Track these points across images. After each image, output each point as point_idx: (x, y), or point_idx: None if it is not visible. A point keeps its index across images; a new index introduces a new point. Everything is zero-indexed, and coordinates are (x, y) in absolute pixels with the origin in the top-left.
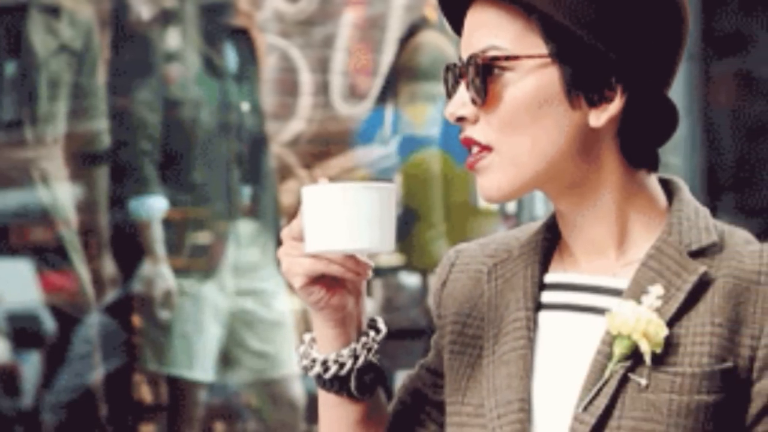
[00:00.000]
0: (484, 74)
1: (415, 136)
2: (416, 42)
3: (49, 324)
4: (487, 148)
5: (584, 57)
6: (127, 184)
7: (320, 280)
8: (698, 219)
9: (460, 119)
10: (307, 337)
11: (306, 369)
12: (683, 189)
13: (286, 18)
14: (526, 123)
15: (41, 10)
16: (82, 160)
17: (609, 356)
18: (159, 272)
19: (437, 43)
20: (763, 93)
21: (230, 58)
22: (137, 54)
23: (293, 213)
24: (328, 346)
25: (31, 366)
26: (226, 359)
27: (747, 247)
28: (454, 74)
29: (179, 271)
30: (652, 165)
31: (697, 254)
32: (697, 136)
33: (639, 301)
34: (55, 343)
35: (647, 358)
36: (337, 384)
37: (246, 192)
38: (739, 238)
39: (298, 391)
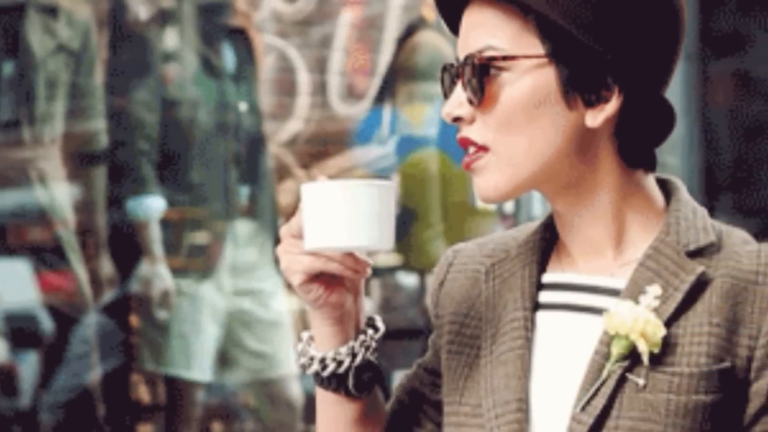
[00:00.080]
0: (480, 74)
1: (412, 136)
2: (414, 42)
3: (47, 324)
4: (483, 148)
5: (581, 57)
6: (125, 184)
7: (319, 277)
8: (696, 219)
9: (457, 119)
10: (305, 335)
11: (304, 367)
12: (681, 189)
13: (283, 18)
14: (523, 123)
15: (39, 10)
16: (79, 160)
17: (607, 356)
18: (157, 272)
19: (435, 43)
20: (761, 93)
21: (228, 58)
22: (135, 54)
23: (291, 213)
24: (326, 344)
25: (29, 366)
26: (224, 359)
27: (745, 247)
28: (450, 74)
29: (177, 271)
30: (650, 165)
31: (695, 254)
32: (695, 136)
33: (637, 301)
34: (53, 343)
35: (645, 358)
36: (335, 382)
37: (244, 192)
38: (737, 238)
39: (295, 391)
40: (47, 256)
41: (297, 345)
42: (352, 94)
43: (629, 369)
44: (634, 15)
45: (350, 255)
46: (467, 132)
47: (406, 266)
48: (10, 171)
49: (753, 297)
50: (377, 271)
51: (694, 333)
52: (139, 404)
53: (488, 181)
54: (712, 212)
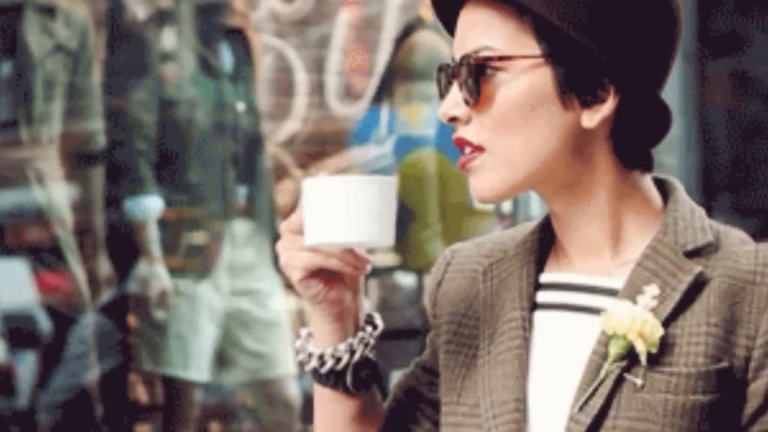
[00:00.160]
0: (476, 74)
1: (410, 136)
2: (412, 42)
3: (45, 324)
4: (479, 149)
5: (577, 58)
6: (123, 184)
7: (319, 274)
8: (694, 219)
9: (453, 119)
10: (303, 331)
11: (302, 363)
12: (679, 189)
13: (281, 18)
14: (519, 123)
15: (36, 10)
16: (77, 160)
17: (604, 356)
18: (154, 272)
19: (433, 43)
20: (759, 93)
21: (226, 58)
22: (133, 54)
23: (289, 213)
24: (325, 341)
25: (27, 366)
26: (222, 359)
27: (742, 247)
28: (446, 74)
29: (175, 271)
30: (646, 165)
31: (693, 254)
32: (693, 136)
33: (634, 301)
34: (51, 343)
35: (643, 358)
36: (333, 379)
37: (241, 192)
38: (735, 238)
39: (293, 391)
40: (45, 256)
41: (295, 341)
42: (349, 94)
43: (627, 369)
44: (631, 15)
45: (350, 251)
46: (463, 132)
47: (404, 266)
48: (8, 171)
49: (751, 297)
50: (375, 271)
51: (692, 333)
52: (137, 404)
53: (484, 181)
54: (710, 212)
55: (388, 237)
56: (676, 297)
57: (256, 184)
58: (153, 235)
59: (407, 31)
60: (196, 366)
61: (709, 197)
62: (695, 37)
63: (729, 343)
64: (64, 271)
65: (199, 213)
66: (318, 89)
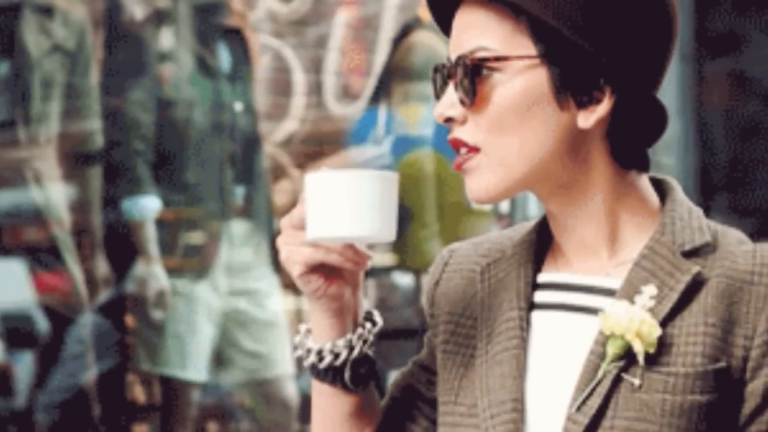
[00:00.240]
0: (472, 75)
1: (408, 136)
2: (409, 42)
3: (42, 324)
4: (475, 149)
5: (573, 58)
6: (120, 184)
7: (319, 269)
8: (691, 219)
9: (449, 120)
10: (302, 327)
11: (301, 358)
12: (676, 189)
13: (279, 18)
14: (515, 124)
15: (34, 10)
16: (75, 160)
17: (602, 356)
18: (152, 272)
19: (430, 43)
20: (757, 93)
21: (223, 58)
22: (130, 54)
23: (287, 213)
24: (324, 336)
25: (24, 366)
26: (220, 359)
27: (740, 247)
28: (442, 75)
29: (172, 271)
30: (643, 165)
31: (691, 254)
32: (690, 136)
33: (632, 301)
34: (48, 343)
35: (640, 358)
36: (332, 374)
37: (239, 192)
38: (732, 238)
39: (291, 391)
40: (43, 256)
41: (294, 337)
42: (347, 94)
43: (625, 369)
44: (627, 15)
45: (351, 246)
46: (459, 133)
47: (402, 266)
48: (6, 171)
49: (748, 297)
50: (373, 271)
51: (690, 333)
52: (135, 404)
53: (480, 181)
54: (708, 212)
55: (390, 232)
56: (674, 297)
57: (254, 184)
58: (151, 235)
59: (405, 31)
60: (193, 366)
61: (706, 197)
62: (693, 37)
63: (727, 343)
64: (62, 271)
65: (196, 213)
66: (316, 89)
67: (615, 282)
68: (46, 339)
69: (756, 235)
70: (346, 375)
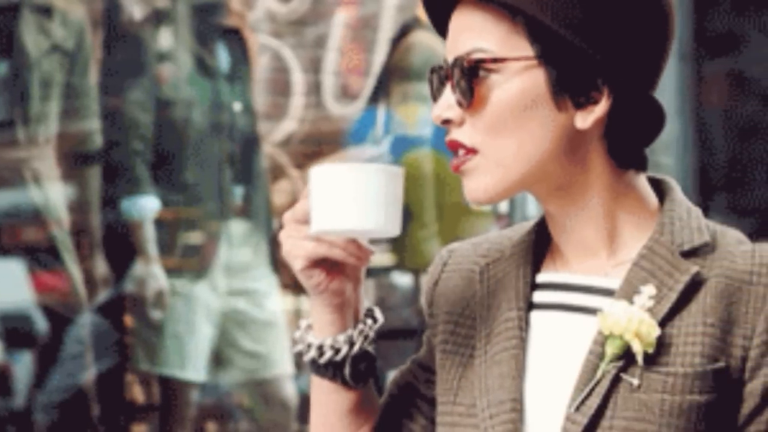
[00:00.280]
0: (469, 76)
1: (407, 136)
2: (408, 42)
3: (41, 324)
4: (472, 151)
5: (570, 59)
6: (119, 184)
7: (321, 263)
8: (690, 219)
9: (446, 122)
10: (303, 323)
11: (301, 353)
12: (675, 189)
13: (278, 18)
14: (512, 125)
15: (33, 10)
16: (74, 160)
17: (601, 356)
18: (151, 272)
19: (429, 43)
20: (755, 93)
21: (222, 58)
22: (129, 54)
23: (285, 213)
24: (324, 331)
25: (23, 366)
26: (218, 359)
27: (739, 247)
28: (439, 76)
29: (171, 271)
30: (641, 165)
31: (689, 254)
32: (689, 136)
33: (631, 301)
34: (47, 343)
35: (639, 358)
36: (332, 370)
37: (238, 192)
38: (731, 238)
39: (290, 391)
40: (42, 256)
41: (294, 332)
42: (346, 94)
43: (624, 369)
44: (623, 15)
45: (353, 241)
46: (456, 134)
47: (401, 266)
48: (5, 171)
49: (747, 297)
50: (372, 271)
51: (689, 333)
52: (134, 404)
53: (478, 183)
54: (707, 212)
55: (394, 226)
56: (673, 297)
57: (253, 184)
58: (150, 235)
59: (404, 31)
60: (192, 366)
61: (705, 197)
62: (692, 37)
63: (725, 343)
64: (61, 271)
65: (195, 213)
66: (315, 89)
67: (614, 282)
68: (45, 339)
69: (755, 235)
70: (346, 370)
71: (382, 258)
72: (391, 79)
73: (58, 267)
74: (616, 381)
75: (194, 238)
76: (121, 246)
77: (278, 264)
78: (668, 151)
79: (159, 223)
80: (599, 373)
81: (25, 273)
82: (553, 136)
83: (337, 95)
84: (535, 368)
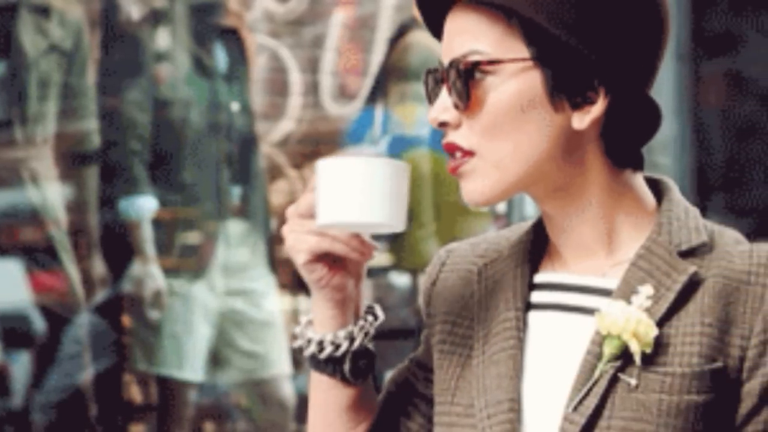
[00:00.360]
0: (466, 79)
1: (404, 136)
2: (406, 42)
3: (39, 324)
4: (469, 153)
5: (566, 60)
6: (117, 184)
7: (323, 258)
8: (688, 219)
9: (443, 124)
10: (303, 319)
11: (301, 349)
12: (673, 189)
13: (275, 18)
14: (509, 127)
15: (31, 10)
16: (71, 160)
17: (599, 356)
18: (149, 272)
19: (427, 44)
20: (753, 93)
21: (220, 58)
22: (127, 54)
23: (283, 213)
24: (325, 326)
25: (21, 366)
26: (216, 359)
27: (737, 247)
28: (435, 79)
29: (169, 271)
30: (637, 164)
31: (687, 254)
32: (687, 136)
33: (629, 301)
34: (45, 343)
35: (637, 358)
36: (331, 366)
37: (236, 192)
38: (729, 238)
39: (287, 391)
40: (39, 256)
41: (295, 328)
42: (344, 94)
43: (621, 369)
44: (618, 15)
45: (357, 236)
46: (453, 137)
47: (399, 266)
48: (2, 171)
49: (745, 297)
50: (370, 271)
51: (686, 333)
52: (131, 404)
53: (475, 185)
54: (704, 212)
55: (400, 221)
56: (671, 297)
57: (251, 184)
58: (147, 235)
59: (401, 31)
60: (190, 366)
61: (703, 197)
62: (689, 37)
63: (723, 343)
64: (59, 271)
65: (193, 213)
66: (312, 89)
67: (612, 282)
68: (43, 339)
69: (753, 235)
70: (346, 367)
71: (379, 258)
72: (389, 79)
73: (55, 267)
74: (613, 381)
75: (192, 238)
76: (119, 246)
77: (276, 264)
78: (666, 151)
79: (157, 223)
80: (597, 373)
81: (22, 273)
82: (550, 137)
83: (335, 95)
84: (532, 368)
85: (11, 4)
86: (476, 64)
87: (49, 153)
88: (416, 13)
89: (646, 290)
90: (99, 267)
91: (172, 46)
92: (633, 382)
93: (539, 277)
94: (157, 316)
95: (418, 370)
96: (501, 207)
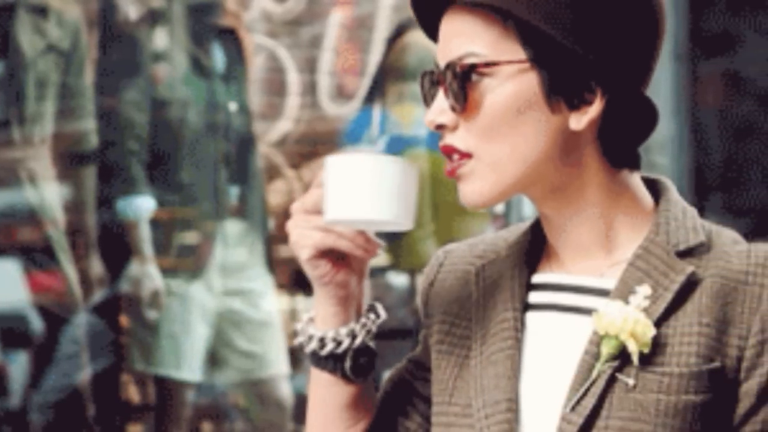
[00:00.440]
0: (462, 81)
1: (402, 136)
2: (404, 42)
3: (37, 324)
4: (467, 155)
5: (563, 61)
6: (115, 184)
7: (327, 254)
8: (686, 219)
9: (440, 127)
10: (305, 316)
11: (302, 345)
12: (671, 189)
13: (273, 18)
14: (506, 129)
15: (29, 10)
16: (69, 160)
17: (596, 356)
18: (146, 272)
19: (425, 44)
20: (751, 93)
21: (218, 58)
22: (125, 54)
23: (281, 213)
24: (327, 323)
25: (19, 366)
26: (214, 359)
27: (734, 247)
28: (431, 81)
29: (167, 271)
30: (634, 164)
31: (685, 254)
32: (685, 136)
33: (626, 301)
34: (43, 343)
35: (635, 358)
36: (332, 362)
37: (233, 192)
38: (727, 238)
39: (285, 391)
40: (37, 256)
41: (296, 324)
42: (341, 94)
43: (619, 369)
44: (614, 16)
45: (362, 233)
46: (450, 139)
47: (397, 266)
48: (0, 171)
49: (743, 297)
50: None
51: (684, 333)
52: (129, 404)
53: (473, 187)
54: (702, 212)
55: (408, 220)
56: (668, 297)
57: (248, 184)
58: (145, 235)
59: (399, 31)
60: (188, 366)
61: (701, 197)
62: (687, 37)
63: (721, 343)
64: (56, 271)
65: (191, 213)
66: (310, 89)
67: (609, 282)
68: (41, 339)
69: (750, 235)
70: (347, 364)
71: (377, 258)
72: (387, 79)
73: (53, 267)
74: (611, 381)
75: (190, 238)
76: (117, 246)
77: (274, 264)
78: (664, 151)
79: (154, 223)
80: (595, 373)
81: (20, 273)
82: (547, 138)
83: (333, 95)
84: (530, 368)
85: (9, 4)
86: (473, 67)
87: (47, 153)
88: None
89: (644, 290)
90: (97, 267)
91: (170, 46)
92: (631, 382)
93: (537, 278)
94: (154, 316)
95: (417, 370)
96: (499, 207)
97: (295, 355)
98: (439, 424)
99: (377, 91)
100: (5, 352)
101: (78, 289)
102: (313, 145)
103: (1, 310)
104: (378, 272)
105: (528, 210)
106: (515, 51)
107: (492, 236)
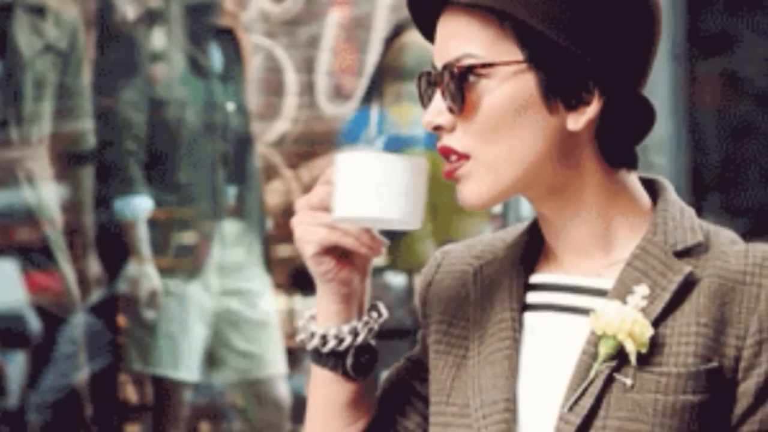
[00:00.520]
0: (460, 82)
1: (400, 136)
2: (401, 42)
3: (35, 324)
4: (464, 156)
5: (560, 61)
6: (113, 184)
7: (331, 251)
8: (683, 219)
9: (438, 128)
10: (307, 313)
11: (303, 342)
12: (668, 189)
13: (271, 18)
14: (504, 130)
15: (26, 10)
16: (67, 160)
17: (594, 356)
18: (144, 272)
19: (422, 44)
20: (749, 93)
21: (215, 58)
22: (122, 54)
23: (279, 213)
24: (329, 321)
25: (17, 366)
26: (212, 359)
27: (732, 247)
28: (428, 82)
29: (164, 271)
30: (632, 164)
31: (683, 254)
32: (683, 136)
33: (624, 301)
34: (41, 343)
35: (632, 358)
36: (333, 360)
37: (231, 192)
38: (725, 238)
39: (283, 391)
40: (35, 256)
41: (298, 322)
42: (339, 94)
43: (617, 369)
44: (611, 16)
45: (367, 231)
46: (448, 140)
47: (394, 266)
48: None
49: (740, 297)
50: None
51: (682, 333)
52: (127, 404)
53: (471, 188)
54: (700, 212)
55: (416, 219)
56: (666, 297)
57: (246, 184)
58: (143, 235)
59: (397, 31)
60: (185, 366)
61: (699, 197)
62: (685, 37)
63: (719, 343)
64: (54, 271)
65: (188, 213)
66: (308, 89)
67: (607, 282)
68: (39, 339)
69: (748, 235)
70: (348, 361)
71: (375, 258)
72: (385, 79)
73: (51, 267)
74: (609, 381)
75: (187, 238)
76: (115, 246)
77: (271, 264)
78: (661, 151)
79: (152, 223)
80: (592, 373)
81: (18, 273)
82: (545, 139)
83: (331, 95)
84: (528, 369)
85: (6, 4)
86: (470, 68)
87: (45, 153)
88: None
89: (642, 290)
90: (94, 267)
91: (168, 46)
92: (628, 382)
93: (535, 278)
94: (152, 316)
95: (415, 370)
96: (497, 208)
97: (293, 355)
98: (436, 424)
99: (375, 91)
100: (3, 352)
101: (76, 289)
102: (310, 145)
103: None
104: (376, 272)
105: (526, 210)
106: (512, 52)
107: (490, 237)
